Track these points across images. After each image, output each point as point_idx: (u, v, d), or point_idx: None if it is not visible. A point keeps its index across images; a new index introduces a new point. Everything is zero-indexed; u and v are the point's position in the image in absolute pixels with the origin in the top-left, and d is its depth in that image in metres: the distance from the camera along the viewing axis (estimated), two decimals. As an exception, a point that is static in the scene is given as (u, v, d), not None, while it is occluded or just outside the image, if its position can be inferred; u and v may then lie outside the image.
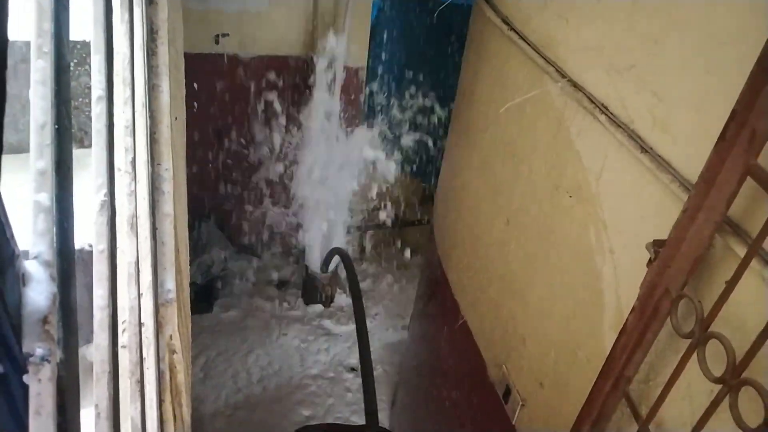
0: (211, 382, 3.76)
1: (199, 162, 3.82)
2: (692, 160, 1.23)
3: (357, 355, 2.91)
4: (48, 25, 0.71)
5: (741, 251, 1.07)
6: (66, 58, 0.74)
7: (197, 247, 3.97)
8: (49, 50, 0.70)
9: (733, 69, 1.14)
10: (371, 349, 3.93)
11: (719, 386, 1.07)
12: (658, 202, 1.35)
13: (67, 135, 0.69)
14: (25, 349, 0.57)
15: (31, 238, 0.63)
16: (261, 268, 4.54)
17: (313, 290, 4.41)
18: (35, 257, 0.61)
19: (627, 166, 1.45)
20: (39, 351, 0.57)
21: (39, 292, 0.58)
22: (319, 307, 4.43)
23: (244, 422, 3.56)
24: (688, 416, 1.23)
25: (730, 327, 1.10)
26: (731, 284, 1.05)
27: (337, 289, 4.53)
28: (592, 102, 1.58)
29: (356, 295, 2.98)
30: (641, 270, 1.32)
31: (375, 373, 3.98)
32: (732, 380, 1.02)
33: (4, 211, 0.53)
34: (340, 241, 4.30)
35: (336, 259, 4.00)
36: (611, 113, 1.51)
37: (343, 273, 4.42)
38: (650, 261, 1.28)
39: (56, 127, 0.66)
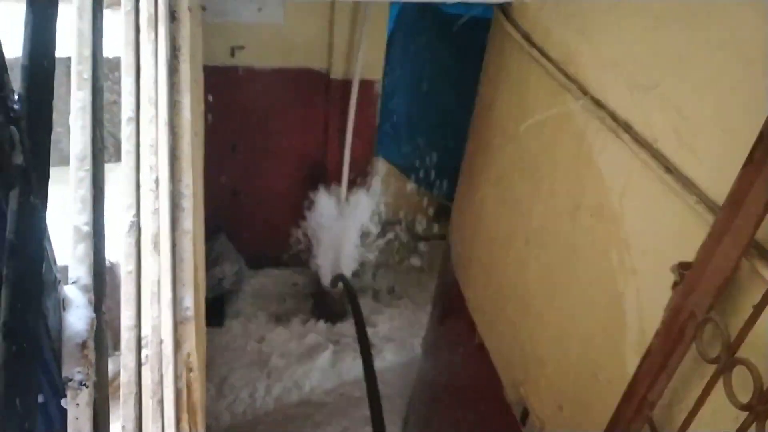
0: (225, 401, 3.77)
1: (212, 175, 3.86)
2: (719, 181, 1.23)
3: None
4: (88, 51, 0.74)
5: (769, 276, 1.07)
6: (101, 81, 0.77)
7: (208, 260, 4.00)
8: (89, 77, 0.72)
9: (760, 89, 1.14)
10: (382, 367, 3.91)
11: (746, 413, 1.07)
12: (683, 223, 1.35)
13: (100, 158, 0.72)
14: (64, 374, 0.58)
15: (70, 263, 0.65)
16: (273, 282, 4.56)
17: (323, 305, 4.43)
18: (74, 282, 0.63)
19: (651, 185, 1.45)
20: (78, 376, 0.59)
21: (78, 317, 0.60)
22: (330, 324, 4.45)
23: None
24: (714, 444, 1.23)
25: (757, 352, 1.10)
26: (759, 309, 1.05)
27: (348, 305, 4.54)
28: (615, 120, 1.58)
29: (362, 340, 2.97)
30: (665, 292, 1.32)
31: (385, 392, 3.98)
32: (759, 407, 1.02)
33: (49, 239, 0.56)
34: (351, 256, 4.31)
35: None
36: (634, 132, 1.52)
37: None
38: (675, 283, 1.28)
39: (93, 149, 0.69)
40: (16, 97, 0.50)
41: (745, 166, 1.07)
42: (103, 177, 0.74)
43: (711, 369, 1.17)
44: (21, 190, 0.46)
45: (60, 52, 0.81)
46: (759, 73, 1.17)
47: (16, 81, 0.52)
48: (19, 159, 0.46)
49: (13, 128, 0.46)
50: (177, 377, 1.09)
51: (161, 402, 0.89)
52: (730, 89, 1.25)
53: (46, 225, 0.54)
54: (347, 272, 4.16)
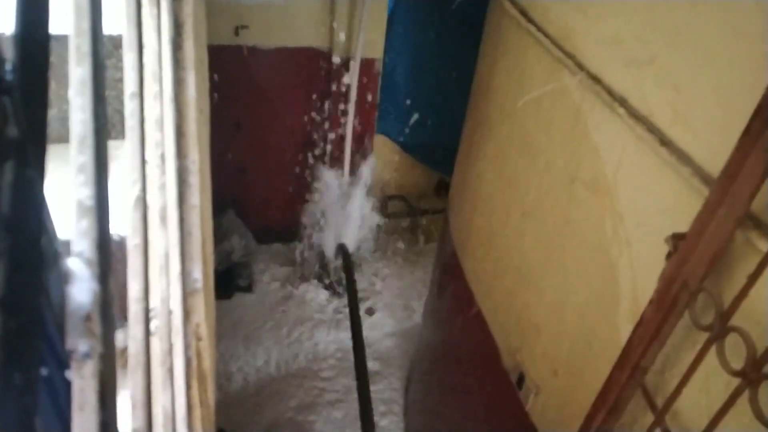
0: (237, 365, 3.83)
1: (218, 152, 3.83)
2: (713, 155, 1.20)
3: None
4: (86, 24, 0.70)
5: (763, 246, 1.05)
6: (101, 56, 0.74)
7: (217, 235, 3.99)
8: (88, 51, 0.69)
9: (757, 63, 1.11)
10: (385, 334, 3.94)
11: (737, 379, 1.06)
12: (677, 195, 1.33)
13: (103, 134, 0.69)
14: (68, 347, 0.57)
15: (73, 236, 0.63)
16: (280, 254, 4.57)
17: (327, 276, 4.44)
18: (77, 255, 0.61)
19: (646, 159, 1.42)
20: (82, 348, 0.57)
21: (81, 289, 0.58)
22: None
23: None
24: (705, 408, 1.22)
25: (749, 321, 1.08)
26: (753, 278, 1.03)
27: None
28: (611, 95, 1.54)
29: (353, 311, 2.96)
30: (658, 263, 1.30)
31: (388, 356, 4.03)
32: (752, 374, 1.01)
33: (48, 212, 0.53)
34: (354, 229, 4.30)
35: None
36: (630, 106, 1.48)
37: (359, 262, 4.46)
38: (669, 254, 1.26)
39: (94, 126, 0.66)
40: (9, 67, 0.47)
41: (742, 137, 1.04)
42: (107, 152, 0.71)
43: (703, 337, 1.16)
44: (16, 163, 0.43)
45: (64, 30, 0.78)
46: (756, 47, 1.13)
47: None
48: (13, 131, 0.43)
49: (5, 99, 0.43)
50: (187, 346, 1.08)
51: (171, 370, 0.88)
52: (726, 63, 1.21)
53: (44, 198, 0.51)
54: (351, 245, 4.17)
